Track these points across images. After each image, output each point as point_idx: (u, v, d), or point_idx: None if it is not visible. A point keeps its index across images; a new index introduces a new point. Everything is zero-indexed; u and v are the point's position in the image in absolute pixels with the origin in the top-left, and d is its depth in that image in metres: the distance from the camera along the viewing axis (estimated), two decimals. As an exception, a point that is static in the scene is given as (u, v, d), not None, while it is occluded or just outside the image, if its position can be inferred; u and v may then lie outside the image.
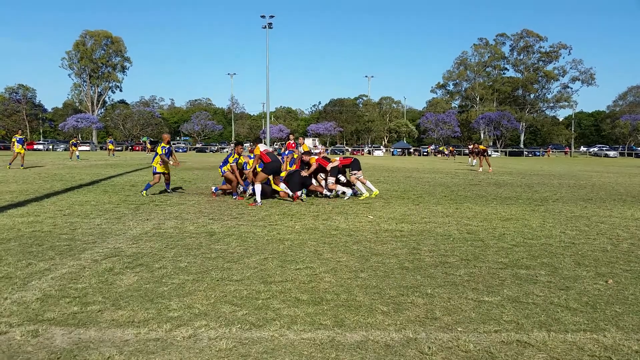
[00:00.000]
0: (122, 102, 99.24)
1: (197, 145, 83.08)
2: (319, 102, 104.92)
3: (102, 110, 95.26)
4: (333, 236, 7.46)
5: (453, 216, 9.66)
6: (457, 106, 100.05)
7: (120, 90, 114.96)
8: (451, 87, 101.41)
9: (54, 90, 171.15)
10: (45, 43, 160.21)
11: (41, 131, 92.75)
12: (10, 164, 23.69)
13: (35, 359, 3.24)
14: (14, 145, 24.05)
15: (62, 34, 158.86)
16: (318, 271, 5.44)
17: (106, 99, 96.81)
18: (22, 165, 23.65)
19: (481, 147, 27.59)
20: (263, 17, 55.58)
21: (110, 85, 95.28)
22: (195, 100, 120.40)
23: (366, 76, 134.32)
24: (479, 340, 3.66)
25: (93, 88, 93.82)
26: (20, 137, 23.97)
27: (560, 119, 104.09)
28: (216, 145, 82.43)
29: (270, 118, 73.70)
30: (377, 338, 3.66)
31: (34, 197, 11.49)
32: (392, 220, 9.05)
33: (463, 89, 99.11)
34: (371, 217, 9.38)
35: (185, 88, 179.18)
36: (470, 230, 8.07)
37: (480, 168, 27.49)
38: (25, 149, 24.50)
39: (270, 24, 55.58)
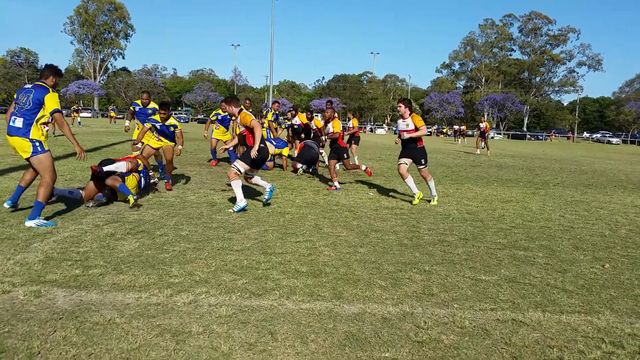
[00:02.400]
0: (125, 69, 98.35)
1: (199, 116, 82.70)
2: (323, 78, 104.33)
3: (104, 77, 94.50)
4: (333, 211, 7.50)
5: (453, 196, 9.69)
6: (461, 87, 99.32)
7: (123, 58, 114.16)
8: (457, 67, 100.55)
9: (56, 55, 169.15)
10: (47, 6, 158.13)
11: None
12: None
13: (38, 318, 3.29)
14: None
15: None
16: (318, 245, 5.49)
17: (108, 65, 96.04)
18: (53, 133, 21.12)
19: (486, 125, 26.04)
20: (269, -12, 54.74)
21: (112, 52, 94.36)
22: (198, 70, 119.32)
23: (372, 53, 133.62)
24: (474, 317, 3.72)
25: (95, 54, 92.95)
26: None
27: (565, 104, 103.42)
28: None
29: (274, 92, 73.21)
30: (375, 311, 3.72)
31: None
32: (393, 198, 9.08)
33: (469, 70, 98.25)
34: (372, 194, 9.41)
35: (188, 58, 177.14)
36: (470, 211, 8.11)
37: (478, 150, 26.34)
38: None
39: (276, -5, 54.78)
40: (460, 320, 3.64)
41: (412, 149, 8.57)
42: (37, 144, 5.84)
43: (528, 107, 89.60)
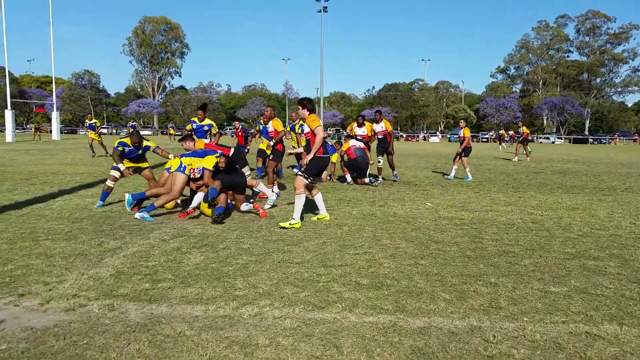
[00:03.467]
0: (182, 87, 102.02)
1: (252, 131, 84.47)
2: (373, 87, 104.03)
3: (163, 95, 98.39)
4: (391, 222, 7.44)
5: (516, 205, 9.39)
6: (518, 91, 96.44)
7: (180, 76, 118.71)
8: (512, 71, 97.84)
9: (117, 75, 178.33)
10: (107, 29, 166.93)
11: (105, 116, 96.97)
12: (93, 152, 21.32)
13: (113, 331, 3.44)
14: (87, 130, 22.67)
15: (123, 20, 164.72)
16: (377, 257, 5.46)
17: (166, 84, 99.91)
18: (106, 152, 20.94)
19: (525, 131, 23.78)
20: (318, 0, 55.44)
21: (169, 71, 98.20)
22: (251, 85, 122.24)
23: (422, 60, 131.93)
24: (545, 331, 3.57)
25: (153, 74, 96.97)
26: (90, 122, 22.14)
27: (629, 105, 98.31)
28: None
29: (324, 103, 73.76)
30: (440, 325, 3.64)
31: (101, 179, 12.08)
32: (452, 207, 8.90)
33: (525, 73, 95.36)
34: (429, 204, 9.27)
35: (241, 74, 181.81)
36: (535, 220, 7.83)
37: (516, 157, 23.93)
38: (99, 135, 21.69)
39: (325, 7, 55.41)
40: (530, 334, 3.51)
41: None
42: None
43: (589, 110, 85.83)
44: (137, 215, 7.21)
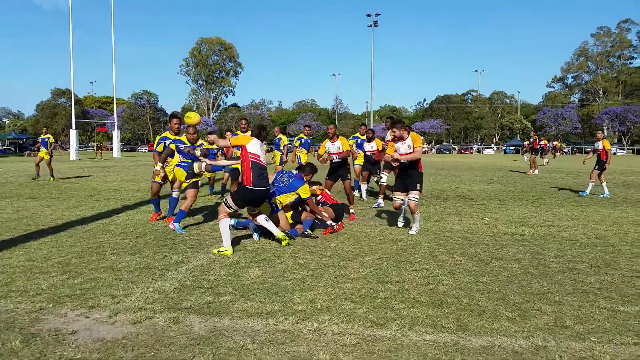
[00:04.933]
0: (235, 105, 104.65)
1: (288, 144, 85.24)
2: (424, 100, 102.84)
3: (217, 113, 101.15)
4: (447, 238, 7.31)
5: (578, 219, 9.02)
6: (576, 100, 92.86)
7: (233, 95, 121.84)
8: (570, 80, 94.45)
9: (174, 95, 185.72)
10: (165, 50, 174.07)
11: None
12: (37, 174, 18.15)
13: (178, 343, 3.55)
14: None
15: (180, 41, 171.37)
16: (435, 273, 5.37)
17: (220, 102, 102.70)
18: (51, 176, 17.75)
19: (544, 142, 22.68)
20: (369, 15, 55.76)
21: (224, 89, 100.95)
22: (301, 101, 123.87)
23: (476, 70, 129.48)
24: (616, 352, 3.41)
25: (209, 93, 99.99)
26: (45, 136, 18.06)
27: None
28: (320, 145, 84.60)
29: (374, 117, 73.61)
30: (504, 344, 3.54)
31: (163, 195, 12.52)
32: (511, 222, 8.65)
33: (583, 82, 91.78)
34: (487, 219, 9.05)
35: (292, 90, 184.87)
36: (599, 235, 7.49)
37: (535, 170, 21.92)
38: (50, 154, 17.98)
39: (375, 22, 55.60)
40: (599, 355, 3.36)
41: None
42: None
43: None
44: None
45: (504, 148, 76.86)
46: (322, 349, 3.44)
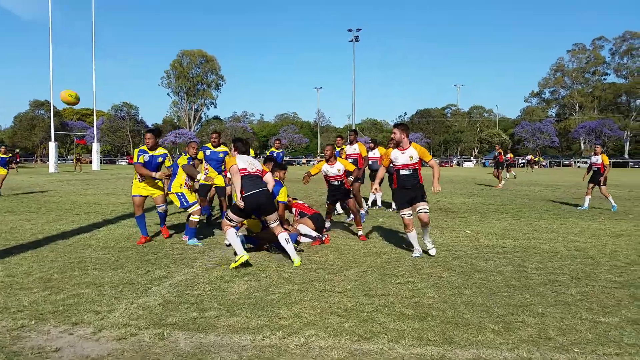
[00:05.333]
0: (216, 118, 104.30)
1: (285, 158, 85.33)
2: (405, 113, 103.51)
3: (199, 126, 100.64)
4: (431, 250, 7.36)
5: (558, 232, 9.17)
6: (553, 114, 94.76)
7: (215, 107, 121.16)
8: (547, 95, 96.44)
9: (154, 107, 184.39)
10: (146, 63, 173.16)
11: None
12: None
13: None
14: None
15: (161, 53, 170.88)
16: (419, 286, 5.41)
17: (202, 115, 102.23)
18: None
19: (509, 155, 23.21)
20: (350, 30, 56.40)
21: (205, 102, 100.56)
22: (283, 114, 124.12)
23: (455, 85, 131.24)
24: (600, 364, 3.47)
25: (190, 105, 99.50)
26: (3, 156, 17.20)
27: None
28: (302, 158, 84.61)
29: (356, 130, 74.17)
30: (490, 357, 3.58)
31: (145, 208, 12.39)
32: (492, 235, 8.77)
33: (560, 97, 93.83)
34: (469, 231, 9.15)
35: (274, 103, 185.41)
36: (579, 247, 7.63)
37: (501, 183, 22.18)
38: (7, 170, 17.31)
39: (357, 37, 56.30)
40: (584, 368, 3.41)
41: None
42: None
43: (629, 133, 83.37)
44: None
45: (483, 161, 77.85)
46: (309, 364, 3.44)
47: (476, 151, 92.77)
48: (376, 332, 4.05)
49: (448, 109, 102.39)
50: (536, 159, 56.46)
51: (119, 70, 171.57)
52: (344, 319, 4.35)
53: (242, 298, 4.93)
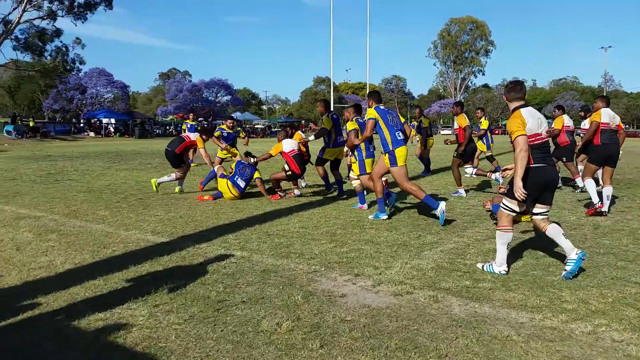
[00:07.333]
0: (485, 86, 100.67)
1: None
2: None
3: (465, 95, 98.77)
4: None
5: None
6: None
7: (483, 74, 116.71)
8: None
9: (421, 79, 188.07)
10: (415, 35, 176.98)
11: (409, 117, 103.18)
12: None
13: (440, 322, 3.59)
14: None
15: (429, 25, 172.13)
16: None
17: (469, 83, 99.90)
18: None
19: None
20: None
21: (473, 70, 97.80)
22: (560, 79, 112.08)
23: None
24: None
25: (456, 74, 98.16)
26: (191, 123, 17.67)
27: None
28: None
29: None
30: None
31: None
32: None
33: None
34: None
35: (550, 67, 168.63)
36: None
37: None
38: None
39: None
40: None
41: None
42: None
43: None
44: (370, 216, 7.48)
45: None
46: (600, 355, 3.07)
47: None
48: (690, 335, 3.37)
49: None
50: None
51: (389, 45, 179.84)
52: (644, 313, 3.74)
53: (519, 275, 4.68)
